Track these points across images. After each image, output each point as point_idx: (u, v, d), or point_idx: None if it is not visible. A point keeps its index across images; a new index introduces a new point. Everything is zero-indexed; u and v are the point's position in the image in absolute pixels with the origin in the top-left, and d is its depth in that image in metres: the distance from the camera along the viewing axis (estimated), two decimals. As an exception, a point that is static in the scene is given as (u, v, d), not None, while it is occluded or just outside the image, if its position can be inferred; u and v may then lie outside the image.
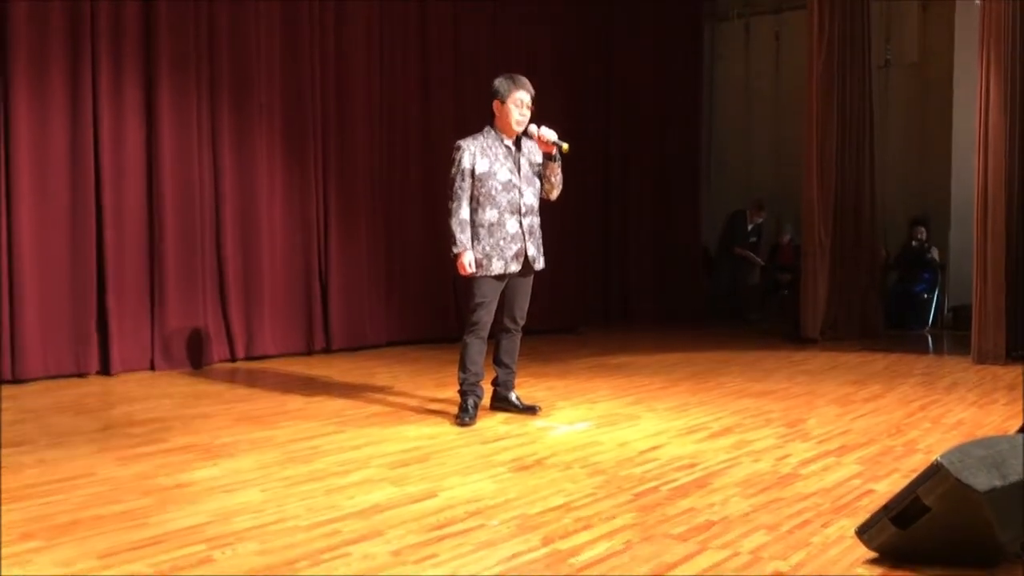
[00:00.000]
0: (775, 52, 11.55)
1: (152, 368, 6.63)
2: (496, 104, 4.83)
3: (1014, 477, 2.58)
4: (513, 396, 5.09)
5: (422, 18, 8.53)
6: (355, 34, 7.93)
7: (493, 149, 4.81)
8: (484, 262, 4.79)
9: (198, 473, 3.73)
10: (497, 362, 5.07)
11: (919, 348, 8.55)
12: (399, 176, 8.37)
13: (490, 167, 4.78)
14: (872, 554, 2.78)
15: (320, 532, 2.99)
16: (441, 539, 2.94)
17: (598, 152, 10.41)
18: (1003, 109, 7.37)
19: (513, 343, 5.06)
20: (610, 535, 2.99)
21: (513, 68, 5.44)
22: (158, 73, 6.64)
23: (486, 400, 5.07)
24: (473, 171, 4.78)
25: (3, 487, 3.47)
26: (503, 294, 4.93)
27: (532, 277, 5.00)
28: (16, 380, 5.94)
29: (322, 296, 7.75)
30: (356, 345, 7.92)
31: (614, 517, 3.18)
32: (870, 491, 3.53)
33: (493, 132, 4.86)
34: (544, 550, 2.85)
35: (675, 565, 2.73)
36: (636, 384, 6.17)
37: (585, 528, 3.06)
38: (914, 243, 10.08)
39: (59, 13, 6.18)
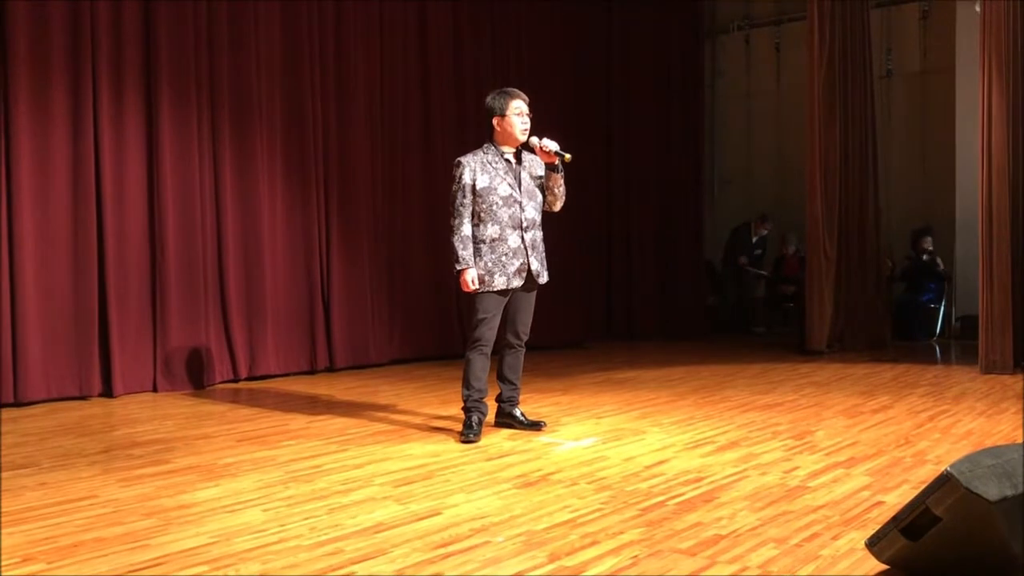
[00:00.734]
0: (775, 64, 11.56)
1: (155, 389, 6.61)
2: (496, 120, 4.83)
3: (1025, 486, 2.54)
4: (518, 412, 5.06)
5: (422, 38, 8.56)
6: (355, 56, 7.95)
7: (493, 164, 4.81)
8: (486, 278, 4.78)
9: (200, 494, 3.70)
10: (501, 378, 5.04)
11: (927, 358, 8.50)
12: (401, 193, 8.37)
13: (490, 182, 4.77)
14: (882, 566, 2.75)
15: (323, 552, 2.96)
16: (446, 557, 2.90)
17: (600, 167, 10.42)
18: (1006, 117, 7.35)
19: (517, 359, 5.04)
20: (617, 551, 2.95)
21: (512, 84, 5.44)
22: (158, 92, 6.65)
23: (490, 417, 5.04)
24: (474, 187, 4.77)
25: (5, 510, 3.45)
26: (506, 310, 4.90)
27: (535, 292, 4.98)
28: (18, 403, 5.92)
29: (325, 314, 7.73)
30: (359, 363, 7.89)
31: (621, 532, 3.14)
32: (879, 503, 3.49)
33: (493, 148, 4.85)
34: (550, 567, 2.82)
35: (683, 580, 2.69)
36: (641, 399, 6.13)
37: (592, 544, 3.02)
38: (925, 257, 10.02)
39: (59, 33, 6.19)
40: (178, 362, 6.73)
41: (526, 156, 4.92)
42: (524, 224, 4.83)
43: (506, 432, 4.95)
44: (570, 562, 2.85)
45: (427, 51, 8.60)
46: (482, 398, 4.87)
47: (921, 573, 2.68)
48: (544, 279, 4.97)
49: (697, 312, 10.83)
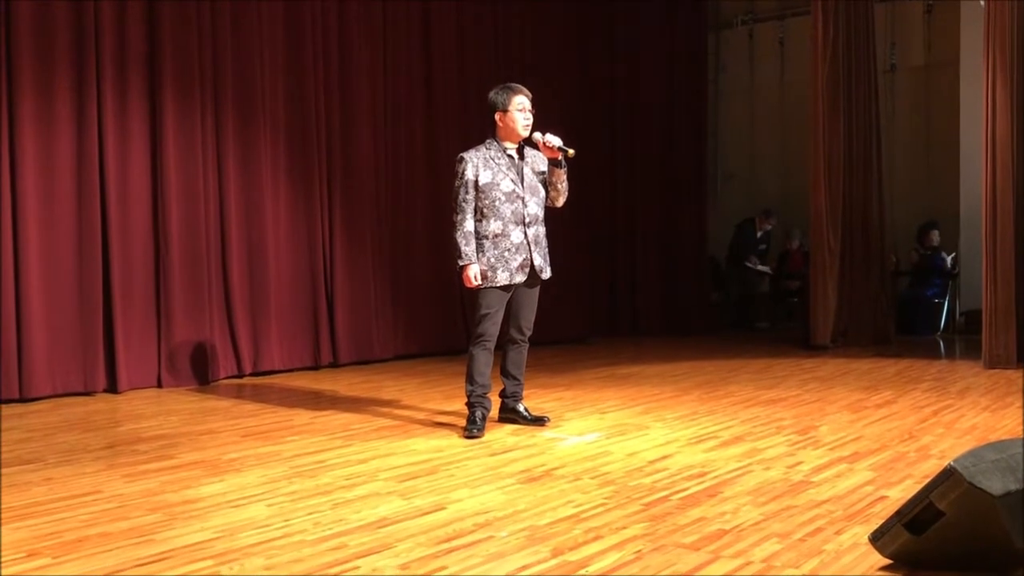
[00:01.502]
0: (779, 58, 11.54)
1: (159, 385, 6.62)
2: (498, 115, 4.83)
3: (1029, 481, 2.54)
4: (521, 407, 5.07)
5: (425, 35, 8.55)
6: (359, 52, 7.95)
7: (496, 160, 4.81)
8: (489, 273, 4.78)
9: (205, 489, 3.71)
10: (504, 374, 5.05)
11: (930, 353, 8.50)
12: (404, 189, 8.38)
13: (493, 178, 4.77)
14: (886, 561, 2.75)
15: (327, 547, 2.96)
16: (450, 551, 2.91)
17: (604, 162, 10.41)
18: (1010, 111, 7.33)
19: (520, 354, 5.04)
20: (621, 545, 2.95)
21: (516, 80, 5.44)
22: (162, 89, 6.66)
23: (494, 412, 5.04)
24: (476, 182, 4.77)
25: (11, 505, 3.46)
26: (509, 305, 4.91)
27: (538, 288, 4.99)
28: (24, 399, 5.94)
29: (328, 310, 7.74)
30: (363, 359, 7.91)
31: (624, 527, 3.15)
32: (883, 497, 3.49)
33: (495, 143, 4.85)
34: (554, 561, 2.82)
35: (687, 575, 2.69)
36: (645, 394, 6.13)
37: (595, 539, 3.03)
38: (937, 254, 9.99)
39: (63, 29, 6.20)
40: (182, 358, 6.75)
41: (528, 151, 4.92)
42: (527, 219, 4.83)
43: (509, 427, 4.96)
44: (574, 557, 2.85)
45: (431, 47, 8.59)
46: (485, 393, 4.88)
47: (925, 567, 2.68)
48: (547, 274, 4.97)
49: (701, 308, 10.82)
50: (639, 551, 2.90)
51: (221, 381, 6.91)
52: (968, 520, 2.55)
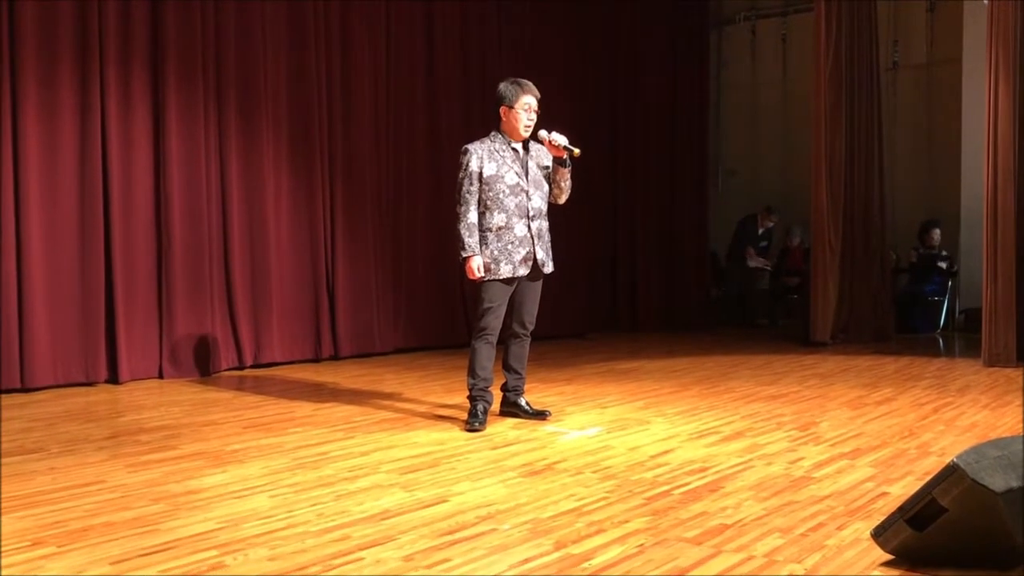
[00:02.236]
0: (782, 55, 11.53)
1: (161, 376, 6.63)
2: (503, 110, 4.82)
3: (1031, 478, 2.55)
4: (523, 401, 5.08)
5: (429, 26, 8.55)
6: (361, 42, 7.94)
7: (500, 152, 4.81)
8: (492, 266, 4.78)
9: (207, 480, 3.72)
10: (506, 367, 5.06)
11: (930, 351, 8.51)
12: (406, 182, 8.37)
13: (497, 170, 4.77)
14: (888, 556, 2.76)
15: (330, 538, 2.98)
16: (453, 544, 2.92)
17: (605, 157, 10.39)
18: (1012, 110, 7.33)
19: (522, 348, 5.05)
20: (623, 539, 2.97)
21: (519, 74, 5.44)
22: (165, 81, 6.66)
23: (496, 406, 5.05)
24: (480, 174, 4.77)
25: (15, 494, 3.47)
26: (512, 299, 4.91)
27: (541, 282, 4.99)
28: (26, 389, 5.95)
29: (330, 303, 7.75)
30: (364, 352, 7.91)
31: (627, 521, 3.16)
32: (884, 494, 3.50)
33: (500, 136, 4.85)
34: (556, 554, 2.83)
35: (689, 569, 2.70)
36: (646, 389, 6.15)
37: (598, 532, 3.04)
38: (937, 253, 10.00)
39: (67, 21, 6.19)
40: (184, 349, 6.76)
41: (533, 145, 4.92)
42: (531, 213, 4.83)
43: (511, 421, 4.97)
44: (576, 550, 2.87)
45: (434, 40, 8.58)
46: (487, 387, 4.88)
47: (926, 563, 2.69)
48: (549, 269, 4.98)
49: (701, 303, 10.83)
50: (641, 545, 2.91)
51: (222, 373, 6.92)
52: (970, 516, 2.56)
